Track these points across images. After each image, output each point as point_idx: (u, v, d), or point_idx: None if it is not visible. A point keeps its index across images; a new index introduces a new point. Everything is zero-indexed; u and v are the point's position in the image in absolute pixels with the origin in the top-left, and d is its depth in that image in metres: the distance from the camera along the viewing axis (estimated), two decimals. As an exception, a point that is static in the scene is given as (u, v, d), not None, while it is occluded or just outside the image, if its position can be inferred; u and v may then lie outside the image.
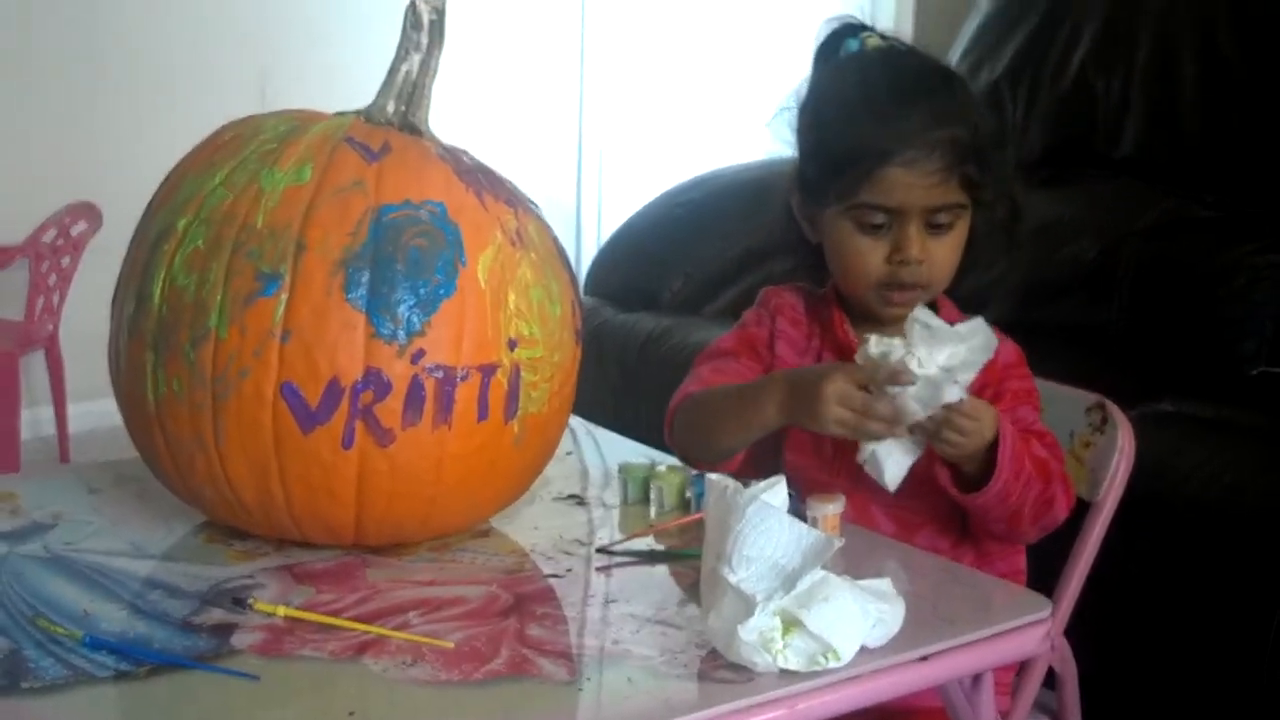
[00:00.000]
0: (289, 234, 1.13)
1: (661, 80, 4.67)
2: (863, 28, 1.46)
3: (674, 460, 1.44)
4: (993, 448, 1.30)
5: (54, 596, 1.10)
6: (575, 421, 1.58)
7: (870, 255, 1.38)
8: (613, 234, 2.97)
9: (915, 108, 1.36)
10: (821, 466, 1.43)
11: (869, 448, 1.30)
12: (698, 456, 1.42)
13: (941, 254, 1.38)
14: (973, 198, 1.38)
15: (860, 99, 1.39)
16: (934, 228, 1.37)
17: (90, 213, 3.61)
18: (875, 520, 1.40)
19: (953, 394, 1.26)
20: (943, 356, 1.27)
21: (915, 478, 1.36)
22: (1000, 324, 1.44)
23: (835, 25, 1.47)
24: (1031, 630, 1.13)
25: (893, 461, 1.30)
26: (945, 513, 1.39)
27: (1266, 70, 2.36)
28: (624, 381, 2.44)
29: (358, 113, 1.25)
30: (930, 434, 1.28)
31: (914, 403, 1.26)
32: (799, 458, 1.44)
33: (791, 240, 1.49)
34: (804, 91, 1.46)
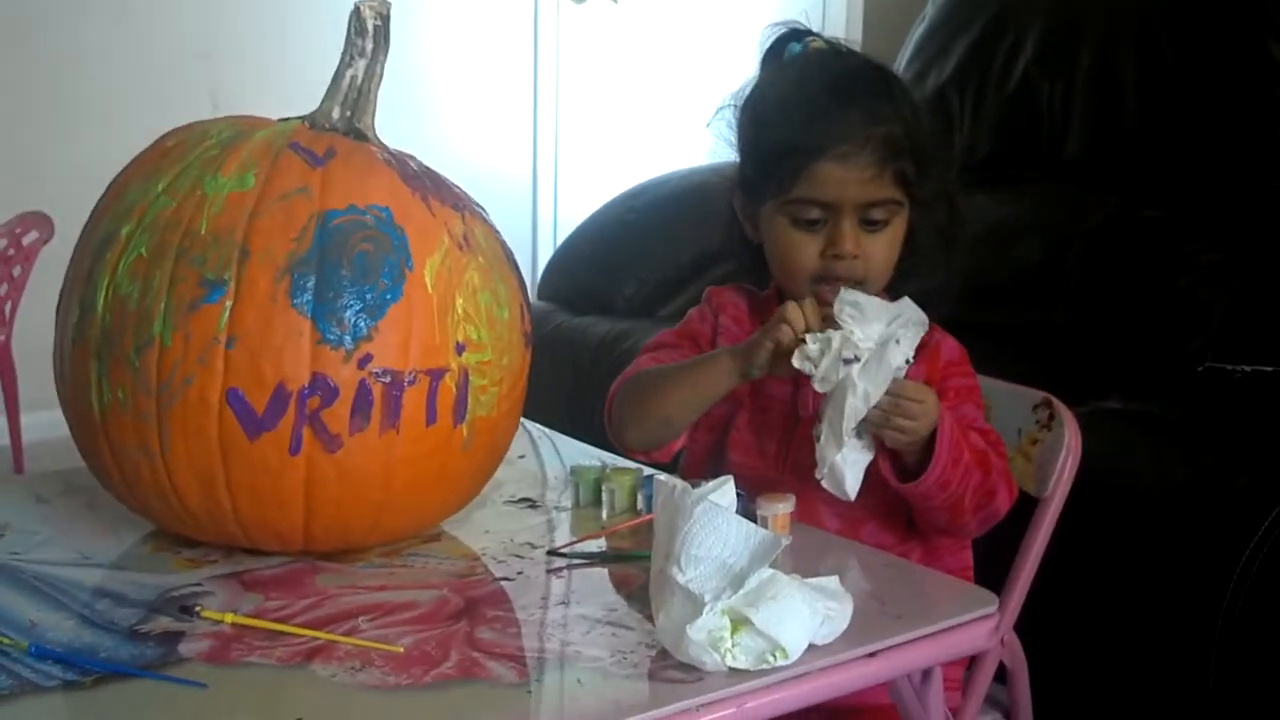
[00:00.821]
0: (232, 240, 1.12)
1: (617, 82, 4.68)
2: (807, 32, 1.48)
3: (626, 462, 1.44)
4: (931, 437, 1.31)
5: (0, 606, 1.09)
6: (529, 425, 1.59)
7: (805, 250, 1.39)
8: (565, 239, 2.97)
9: (850, 104, 1.38)
10: (766, 465, 1.44)
11: (828, 460, 1.30)
12: (637, 436, 1.43)
13: (877, 251, 1.39)
14: (909, 195, 1.39)
15: (797, 96, 1.41)
16: (869, 224, 1.38)
17: (42, 222, 3.57)
18: (820, 517, 1.41)
19: (897, 356, 1.26)
20: (876, 332, 1.27)
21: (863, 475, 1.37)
22: (948, 324, 1.46)
23: (780, 30, 1.49)
24: (979, 625, 1.14)
25: (851, 470, 1.30)
26: (889, 509, 1.40)
27: (1204, 72, 2.38)
28: (578, 385, 2.44)
29: (302, 119, 1.25)
30: (878, 423, 1.29)
31: (863, 381, 1.26)
32: (744, 457, 1.45)
33: (734, 241, 1.50)
34: (745, 92, 1.48)
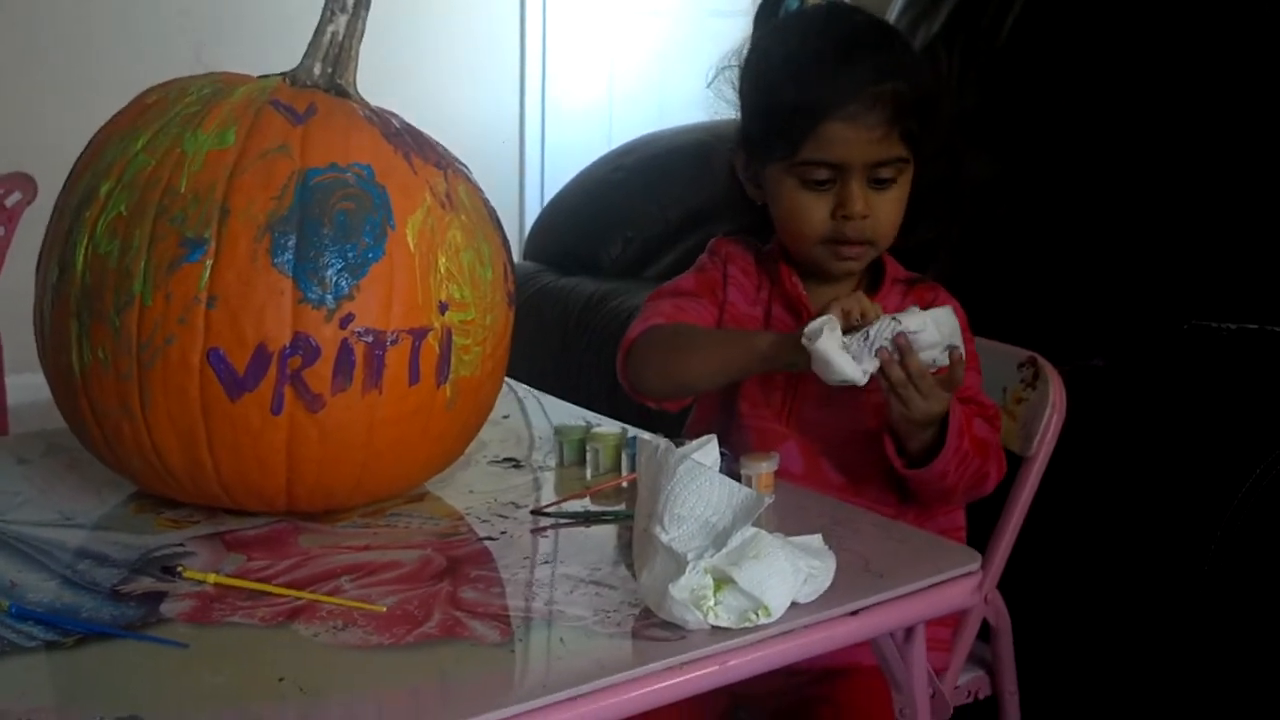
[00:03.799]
0: (213, 198, 1.11)
1: (605, 39, 4.65)
2: None
3: (611, 422, 1.44)
4: (939, 428, 1.31)
5: (-20, 568, 1.09)
6: (514, 385, 1.58)
7: (814, 211, 1.38)
8: (551, 198, 2.96)
9: (857, 63, 1.37)
10: (773, 417, 1.44)
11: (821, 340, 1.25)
12: (655, 388, 1.42)
13: (885, 209, 1.39)
14: (914, 152, 1.39)
15: (802, 55, 1.39)
16: (877, 183, 1.38)
17: (25, 183, 3.55)
18: (824, 472, 1.42)
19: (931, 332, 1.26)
20: (914, 323, 1.27)
21: (865, 433, 1.38)
22: (940, 281, 1.46)
23: None
24: (962, 583, 1.14)
25: (840, 357, 1.25)
26: (892, 469, 1.41)
27: (1200, 34, 2.37)
28: (564, 345, 2.44)
29: (283, 75, 1.24)
30: (896, 385, 1.27)
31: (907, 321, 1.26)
32: (751, 408, 1.45)
33: (734, 201, 1.50)
34: (745, 51, 1.46)
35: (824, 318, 1.26)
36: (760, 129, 1.42)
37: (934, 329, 1.27)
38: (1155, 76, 2.40)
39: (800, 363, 1.29)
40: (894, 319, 1.26)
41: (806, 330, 1.26)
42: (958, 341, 1.29)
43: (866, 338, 1.25)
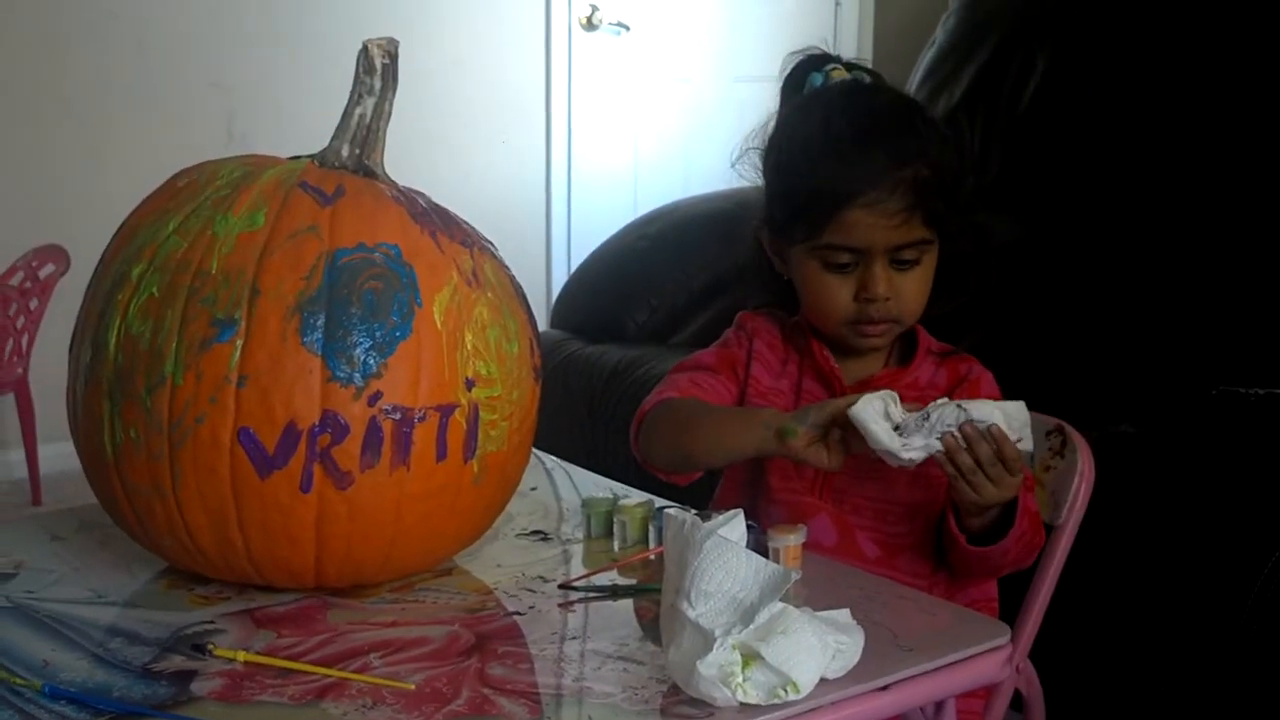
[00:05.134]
0: (243, 279, 1.13)
1: (628, 109, 4.69)
2: (827, 59, 1.47)
3: (638, 494, 1.44)
4: (1002, 508, 1.31)
5: (14, 646, 1.10)
6: (542, 456, 1.59)
7: (838, 294, 1.39)
8: (577, 267, 2.98)
9: (877, 147, 1.36)
10: (805, 490, 1.44)
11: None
12: (663, 462, 1.43)
13: (909, 289, 1.39)
14: (938, 231, 1.39)
15: (822, 139, 1.39)
16: (899, 264, 1.38)
17: (58, 255, 3.60)
18: (859, 543, 1.41)
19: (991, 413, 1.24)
20: (981, 413, 1.25)
21: (899, 504, 1.37)
22: (971, 350, 1.46)
23: (799, 58, 1.48)
24: (992, 656, 1.14)
25: (878, 426, 1.24)
26: (926, 537, 1.40)
27: (1219, 87, 2.38)
28: (591, 414, 2.45)
29: (312, 157, 1.25)
30: (965, 470, 1.25)
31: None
32: (783, 482, 1.45)
33: (763, 274, 1.50)
34: (770, 129, 1.47)
35: (882, 393, 1.25)
36: (783, 211, 1.42)
37: (1004, 421, 1.25)
38: (1179, 139, 2.42)
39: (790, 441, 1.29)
40: (959, 406, 1.24)
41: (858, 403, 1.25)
42: (1028, 434, 1.27)
43: (926, 418, 1.24)
